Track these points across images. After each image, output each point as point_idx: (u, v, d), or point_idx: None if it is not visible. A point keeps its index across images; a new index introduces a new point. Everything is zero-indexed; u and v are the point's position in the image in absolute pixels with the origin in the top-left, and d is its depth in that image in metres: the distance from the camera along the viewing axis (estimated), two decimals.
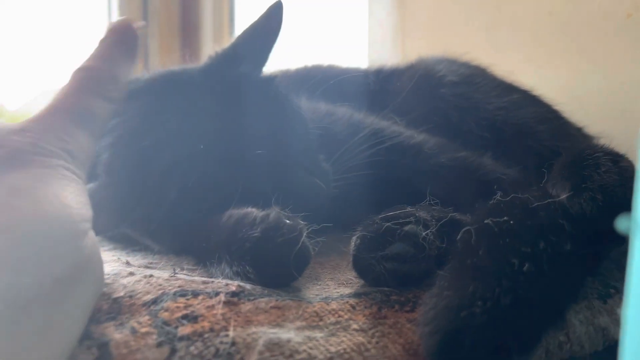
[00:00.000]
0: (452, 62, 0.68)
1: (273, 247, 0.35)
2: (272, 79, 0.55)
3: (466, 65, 0.67)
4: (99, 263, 0.32)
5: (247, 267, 0.36)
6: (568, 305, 0.36)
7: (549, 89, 0.90)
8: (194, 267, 0.43)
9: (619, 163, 0.41)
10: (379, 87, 0.75)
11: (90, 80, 0.36)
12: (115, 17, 1.45)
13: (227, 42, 0.58)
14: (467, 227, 0.35)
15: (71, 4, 1.50)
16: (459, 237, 0.35)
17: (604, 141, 0.70)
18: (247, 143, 0.46)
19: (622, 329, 0.22)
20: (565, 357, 0.37)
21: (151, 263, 0.45)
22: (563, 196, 0.39)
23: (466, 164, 0.54)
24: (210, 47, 1.45)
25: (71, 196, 0.30)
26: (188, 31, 1.47)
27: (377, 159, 0.54)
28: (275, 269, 0.36)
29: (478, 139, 0.59)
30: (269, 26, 0.53)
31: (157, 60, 1.44)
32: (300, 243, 0.35)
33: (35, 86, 1.51)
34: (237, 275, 0.37)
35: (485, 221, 0.35)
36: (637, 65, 0.85)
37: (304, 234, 0.36)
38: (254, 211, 0.38)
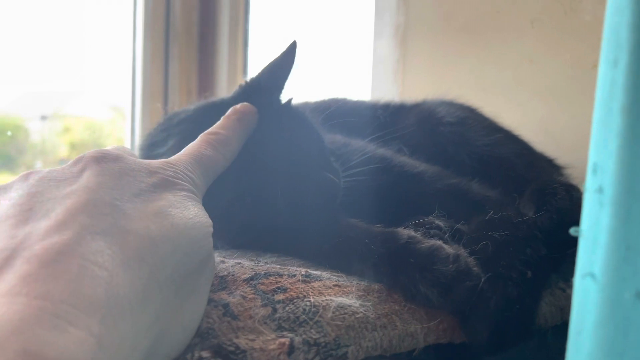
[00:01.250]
0: (450, 105, 0.83)
1: (461, 288, 0.46)
2: (289, 101, 0.68)
3: (461, 109, 0.82)
4: (213, 253, 0.46)
5: (435, 293, 0.46)
6: (543, 290, 0.52)
7: (527, 124, 1.07)
8: (257, 258, 0.58)
9: (571, 192, 0.58)
10: (386, 119, 0.90)
11: (214, 140, 0.50)
12: (140, 39, 1.59)
13: (240, 80, 0.71)
14: (486, 242, 0.50)
15: (65, 8, 1.57)
16: (478, 247, 0.50)
17: (571, 171, 0.86)
18: (279, 152, 0.59)
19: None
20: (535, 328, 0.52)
21: (225, 256, 0.59)
22: (531, 214, 0.56)
23: (459, 188, 0.69)
24: (225, 73, 1.60)
25: (201, 210, 0.43)
26: (205, 70, 1.62)
27: (387, 181, 0.69)
28: (456, 303, 0.46)
29: (469, 168, 0.74)
30: (285, 61, 0.65)
31: (177, 93, 1.58)
32: (478, 290, 0.46)
33: (20, 87, 1.57)
34: (415, 291, 0.47)
35: (491, 233, 0.50)
36: None
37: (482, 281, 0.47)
38: (444, 246, 0.48)
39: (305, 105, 0.95)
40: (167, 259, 0.36)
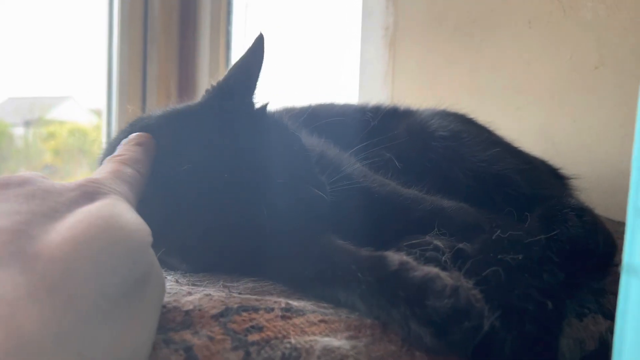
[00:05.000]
0: (443, 117, 0.77)
1: (458, 329, 0.37)
2: (264, 106, 0.61)
3: (455, 121, 0.76)
4: (161, 270, 0.39)
5: (428, 334, 0.38)
6: (563, 322, 0.45)
7: (526, 130, 1.01)
8: (231, 285, 0.50)
9: (583, 217, 0.52)
10: (376, 122, 0.84)
11: (124, 159, 0.47)
12: (116, 41, 1.51)
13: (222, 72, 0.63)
14: (495, 268, 0.43)
15: (46, 13, 1.54)
16: (486, 272, 0.43)
17: (576, 182, 0.80)
18: (255, 163, 0.53)
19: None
20: None
21: (196, 281, 0.52)
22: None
23: (447, 208, 0.61)
24: (206, 76, 1.52)
25: (134, 217, 0.38)
26: (186, 72, 1.54)
27: (373, 200, 0.61)
28: (453, 348, 0.38)
29: (465, 186, 0.68)
30: (253, 58, 0.59)
31: (155, 96, 1.51)
32: (482, 332, 0.37)
33: (3, 92, 1.56)
34: (407, 329, 0.39)
35: (501, 257, 0.43)
36: (602, 112, 0.96)
37: (489, 322, 0.38)
38: (440, 275, 0.40)
39: (291, 110, 0.88)
40: (88, 282, 0.31)
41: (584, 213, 0.54)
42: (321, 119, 0.82)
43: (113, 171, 0.44)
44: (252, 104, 0.60)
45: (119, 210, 0.36)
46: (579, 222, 0.52)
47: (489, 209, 0.63)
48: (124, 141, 0.51)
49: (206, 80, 1.52)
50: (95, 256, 0.32)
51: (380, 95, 1.21)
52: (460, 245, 0.50)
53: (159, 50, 1.50)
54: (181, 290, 0.46)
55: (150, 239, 0.37)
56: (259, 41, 0.59)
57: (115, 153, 0.49)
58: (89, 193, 0.37)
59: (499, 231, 0.48)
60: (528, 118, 1.03)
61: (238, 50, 1.54)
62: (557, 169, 0.76)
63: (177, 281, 0.51)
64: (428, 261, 0.45)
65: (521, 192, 0.65)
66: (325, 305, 0.45)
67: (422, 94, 1.16)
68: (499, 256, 0.44)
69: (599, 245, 0.53)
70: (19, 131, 1.72)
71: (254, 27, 1.56)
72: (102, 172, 0.43)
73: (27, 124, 1.71)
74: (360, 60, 1.26)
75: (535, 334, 0.40)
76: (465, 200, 0.63)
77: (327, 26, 1.40)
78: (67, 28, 1.56)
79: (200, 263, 0.55)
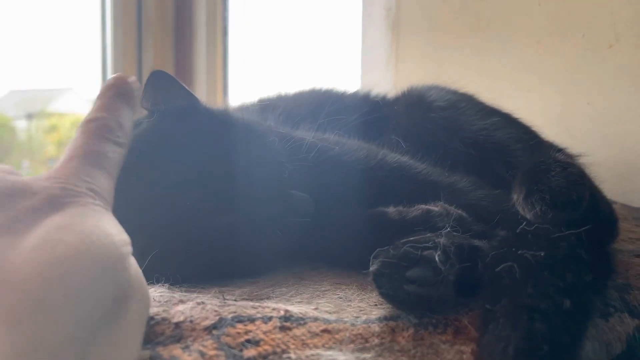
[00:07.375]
0: (440, 89, 0.75)
1: None
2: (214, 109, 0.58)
3: (453, 92, 0.74)
4: (143, 281, 0.35)
5: None
6: (587, 326, 0.40)
7: (536, 112, 0.96)
8: (227, 289, 0.47)
9: (567, 169, 0.47)
10: (376, 111, 0.80)
11: (99, 129, 0.40)
12: (109, 28, 1.47)
13: (219, 72, 0.60)
14: (510, 263, 0.39)
15: (44, 7, 1.53)
16: (500, 268, 0.39)
17: (583, 159, 0.75)
18: (205, 168, 0.50)
19: None
20: None
21: (189, 286, 0.48)
22: (521, 198, 0.47)
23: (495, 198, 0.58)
24: (203, 62, 1.48)
25: (109, 225, 0.33)
26: (182, 61, 1.50)
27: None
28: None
29: (464, 155, 0.65)
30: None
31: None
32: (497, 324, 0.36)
33: (4, 85, 1.57)
34: None
35: (521, 252, 0.39)
36: (618, 92, 0.91)
37: None
38: None
39: (282, 97, 0.85)
40: (58, 310, 0.27)
41: (569, 165, 0.50)
42: (318, 106, 0.79)
43: (82, 155, 0.37)
44: (199, 105, 0.57)
45: (91, 221, 0.32)
46: (562, 173, 0.48)
47: (489, 180, 0.60)
48: (102, 89, 0.43)
49: (203, 67, 1.47)
50: (64, 280, 0.28)
51: (384, 80, 1.17)
52: (475, 242, 0.46)
53: (154, 39, 1.46)
54: (173, 298, 0.42)
55: (129, 249, 0.33)
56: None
57: (90, 114, 0.40)
58: (54, 197, 0.32)
59: (524, 223, 0.44)
60: (539, 100, 0.98)
61: (235, 36, 1.49)
62: (563, 149, 0.72)
63: (169, 287, 0.47)
64: (423, 261, 0.41)
65: (520, 161, 0.62)
66: (328, 309, 0.42)
67: (428, 78, 1.12)
68: (518, 252, 0.40)
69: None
70: (21, 124, 1.71)
71: (251, 13, 1.51)
72: (70, 155, 0.37)
73: (29, 116, 1.70)
74: (361, 44, 1.21)
75: (546, 333, 0.35)
76: (465, 171, 0.61)
77: (327, 9, 1.35)
78: (66, 19, 1.55)
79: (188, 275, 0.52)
